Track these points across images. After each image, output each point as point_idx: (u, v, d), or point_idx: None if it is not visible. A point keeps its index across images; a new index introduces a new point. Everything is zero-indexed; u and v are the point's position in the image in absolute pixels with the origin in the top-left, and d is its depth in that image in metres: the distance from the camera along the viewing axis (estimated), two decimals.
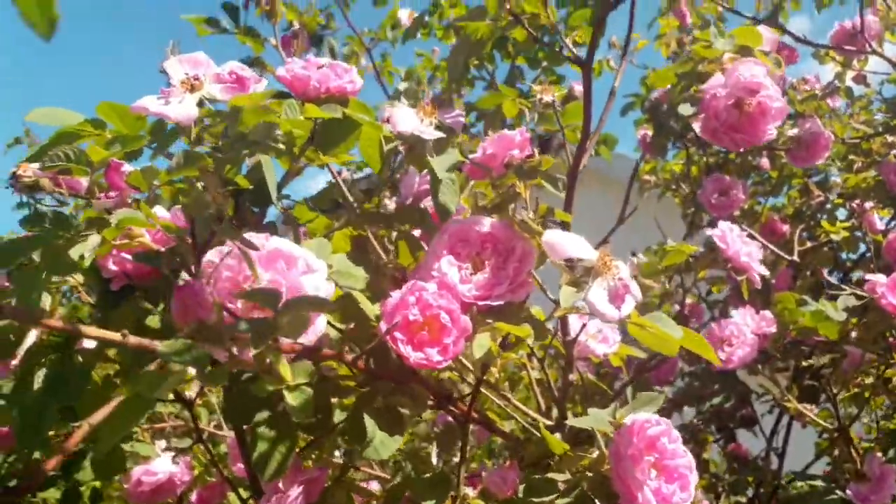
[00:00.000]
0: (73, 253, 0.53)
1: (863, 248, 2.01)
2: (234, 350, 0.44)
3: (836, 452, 1.71)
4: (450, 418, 0.95)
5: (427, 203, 0.95)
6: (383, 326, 0.65)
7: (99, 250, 0.54)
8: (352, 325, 0.75)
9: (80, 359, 0.76)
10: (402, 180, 0.99)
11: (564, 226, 0.95)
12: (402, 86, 1.71)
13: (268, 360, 0.46)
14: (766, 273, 1.06)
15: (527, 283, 0.69)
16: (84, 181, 0.59)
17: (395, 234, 0.87)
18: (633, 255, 2.24)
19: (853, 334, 1.31)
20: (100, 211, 0.57)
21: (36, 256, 0.63)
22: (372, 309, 0.70)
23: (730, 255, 1.00)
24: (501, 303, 0.68)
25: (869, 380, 1.46)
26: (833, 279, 2.00)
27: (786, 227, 2.02)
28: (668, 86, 0.95)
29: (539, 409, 1.13)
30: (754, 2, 1.59)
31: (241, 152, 0.55)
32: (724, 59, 0.87)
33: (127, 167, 0.60)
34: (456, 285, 0.68)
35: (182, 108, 0.61)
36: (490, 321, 0.67)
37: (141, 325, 0.74)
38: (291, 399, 0.51)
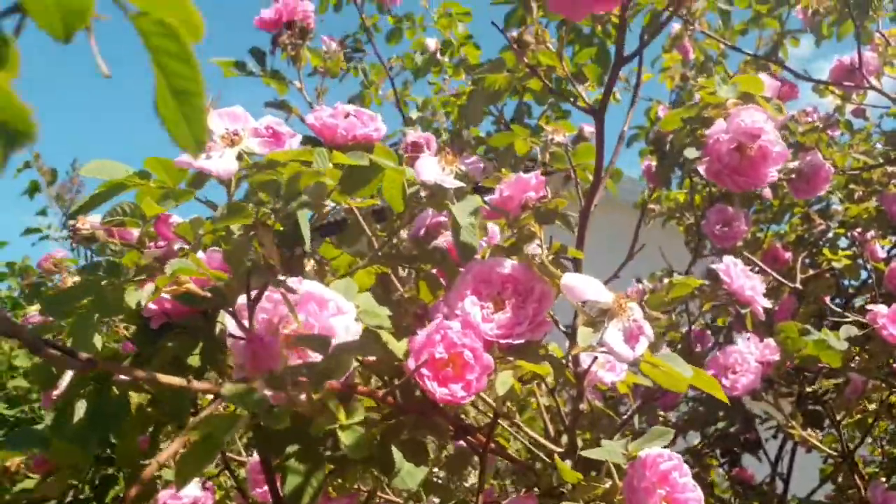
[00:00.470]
0: (130, 300, 0.57)
1: (864, 274, 2.05)
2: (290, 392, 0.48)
3: (841, 478, 1.74)
4: (462, 443, 0.99)
5: (443, 239, 0.99)
6: (411, 363, 0.69)
7: (151, 297, 0.59)
8: (374, 359, 0.79)
9: (116, 390, 0.80)
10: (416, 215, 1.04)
11: (577, 263, 0.99)
12: (416, 115, 1.77)
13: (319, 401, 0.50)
14: (769, 305, 1.09)
15: (545, 323, 0.73)
16: (135, 232, 0.64)
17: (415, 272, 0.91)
18: (639, 281, 2.29)
19: (856, 361, 1.34)
20: (150, 259, 0.61)
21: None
22: (398, 347, 0.74)
23: (734, 290, 1.04)
24: (522, 341, 0.72)
25: (872, 406, 1.48)
26: (835, 306, 2.04)
27: (788, 255, 2.06)
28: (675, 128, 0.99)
29: (547, 435, 1.16)
30: (755, 38, 1.64)
31: (296, 209, 0.60)
32: (728, 103, 0.92)
33: (175, 218, 0.65)
34: (479, 324, 0.72)
35: (223, 163, 0.66)
36: (511, 359, 0.71)
37: (178, 362, 0.78)
38: (345, 438, 0.55)
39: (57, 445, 0.56)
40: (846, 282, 2.14)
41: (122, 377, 0.80)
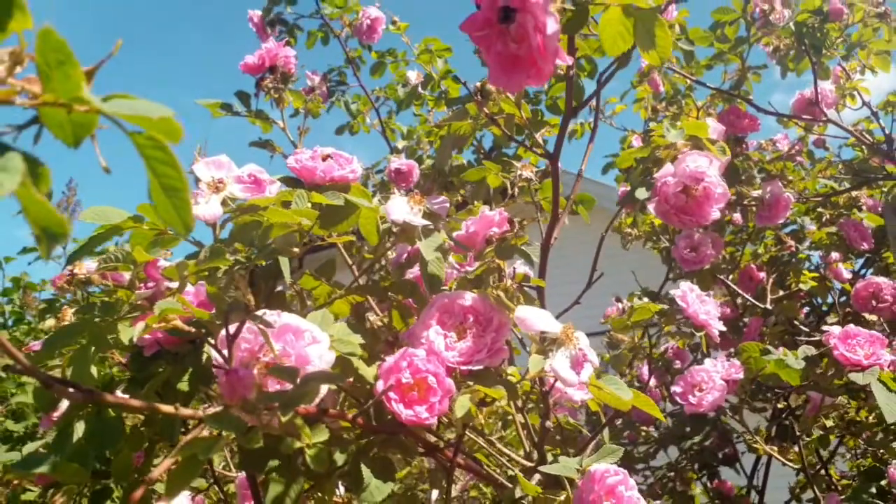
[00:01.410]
0: (124, 337, 0.65)
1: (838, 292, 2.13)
2: (264, 416, 0.56)
3: (811, 492, 1.81)
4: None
5: (415, 271, 1.07)
6: (380, 386, 0.77)
7: (142, 333, 0.66)
8: (349, 380, 0.86)
9: (112, 412, 0.87)
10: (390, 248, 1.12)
11: (539, 290, 1.07)
12: (401, 144, 1.86)
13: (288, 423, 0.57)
14: (724, 329, 1.17)
15: (503, 350, 0.81)
16: (127, 275, 0.71)
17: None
18: (618, 300, 2.36)
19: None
20: (141, 300, 0.68)
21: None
22: (368, 372, 0.81)
23: (689, 314, 1.12)
24: (481, 367, 0.79)
25: (829, 423, 1.56)
26: (809, 323, 2.12)
27: (762, 274, 2.14)
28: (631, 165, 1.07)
29: (525, 452, 1.24)
30: (721, 71, 1.73)
31: (267, 257, 0.67)
32: (679, 144, 1.00)
33: (162, 262, 0.72)
34: (442, 352, 0.79)
35: (209, 208, 0.73)
36: (471, 383, 0.78)
37: (169, 386, 0.85)
38: (311, 454, 0.62)
39: (63, 467, 0.63)
40: (818, 300, 2.22)
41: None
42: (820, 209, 1.98)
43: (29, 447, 1.02)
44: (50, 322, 0.93)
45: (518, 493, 0.94)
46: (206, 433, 0.57)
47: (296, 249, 0.69)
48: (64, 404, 0.93)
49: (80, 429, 0.88)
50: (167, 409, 0.55)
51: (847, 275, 1.89)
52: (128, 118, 0.32)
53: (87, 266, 0.70)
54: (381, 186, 1.85)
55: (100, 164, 0.39)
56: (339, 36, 1.85)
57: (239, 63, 1.16)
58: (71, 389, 0.51)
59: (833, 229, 1.83)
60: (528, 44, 0.52)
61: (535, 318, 0.77)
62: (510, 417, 1.65)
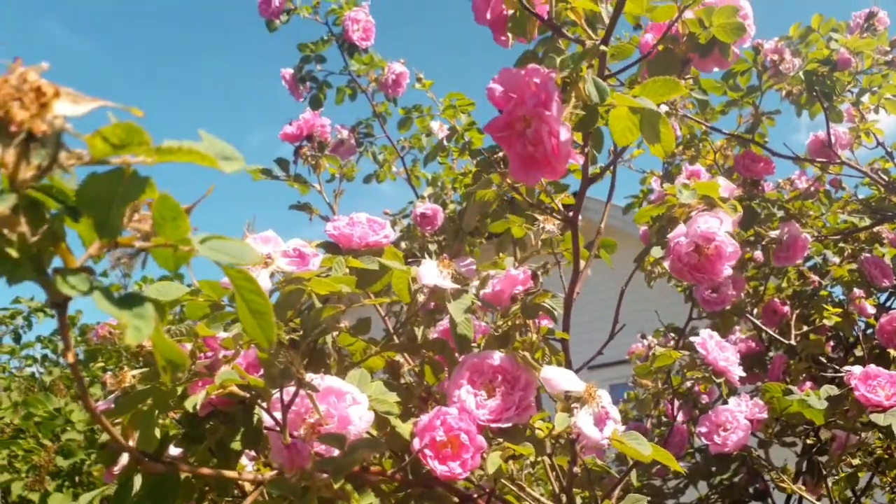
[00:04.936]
0: (188, 404, 0.72)
1: (863, 326, 2.14)
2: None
3: None
4: None
5: (441, 325, 1.13)
6: (416, 444, 0.83)
7: (204, 399, 0.73)
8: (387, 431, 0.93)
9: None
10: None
11: (564, 343, 1.12)
12: (428, 191, 1.94)
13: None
14: (744, 375, 1.21)
15: (531, 407, 0.86)
16: (188, 346, 0.79)
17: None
18: (643, 336, 2.39)
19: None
20: (201, 368, 0.76)
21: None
22: (404, 429, 0.87)
23: (709, 361, 1.16)
24: (510, 424, 0.85)
25: (856, 461, 1.57)
26: (835, 358, 2.13)
27: (786, 308, 2.16)
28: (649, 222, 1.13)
29: (553, 492, 1.28)
30: (736, 115, 1.78)
31: (316, 337, 0.74)
32: (692, 203, 1.06)
33: (221, 335, 0.80)
34: (473, 410, 0.85)
35: (259, 282, 0.81)
36: (500, 440, 0.84)
37: (221, 444, 0.92)
38: None
39: None
40: (843, 334, 2.23)
41: (172, 453, 0.94)
42: (842, 244, 2.01)
43: (86, 497, 1.10)
44: (112, 380, 1.00)
45: None
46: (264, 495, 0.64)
47: (342, 326, 0.76)
48: (123, 461, 1.01)
49: (137, 483, 0.95)
50: (232, 474, 0.62)
51: (871, 310, 1.91)
52: (221, 260, 0.40)
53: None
54: (407, 231, 1.93)
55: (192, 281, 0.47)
56: (366, 91, 1.96)
57: (279, 134, 1.25)
58: (157, 463, 0.57)
59: (854, 266, 1.85)
60: (544, 147, 0.59)
61: (559, 379, 0.83)
62: (539, 459, 1.70)
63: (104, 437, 0.99)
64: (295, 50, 2.05)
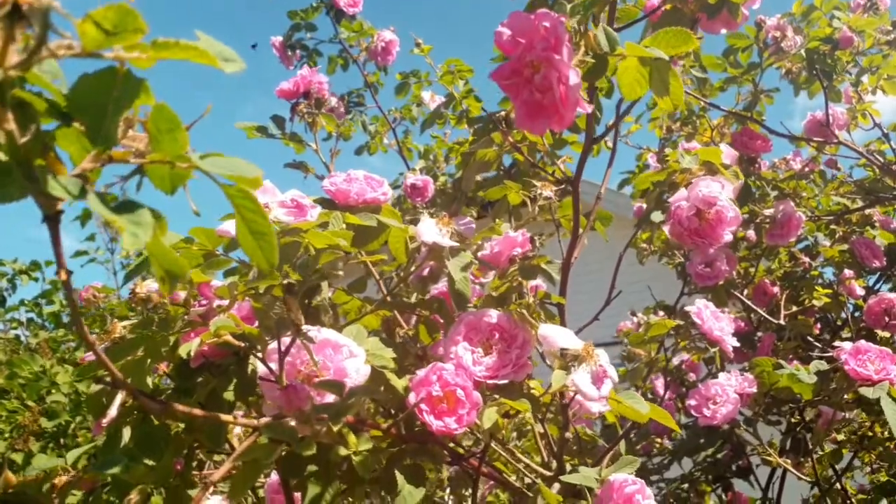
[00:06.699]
0: (182, 351, 0.71)
1: (851, 308, 2.16)
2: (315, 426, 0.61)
3: None
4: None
5: (441, 285, 1.12)
6: (411, 398, 0.82)
7: (198, 347, 0.72)
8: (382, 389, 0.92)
9: (156, 420, 0.94)
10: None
11: (560, 307, 1.12)
12: (420, 164, 1.92)
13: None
14: (737, 345, 1.21)
15: (527, 365, 0.86)
16: (182, 294, 0.78)
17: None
18: (633, 314, 2.40)
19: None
20: (195, 316, 0.74)
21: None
22: (400, 384, 0.87)
23: (704, 330, 1.16)
24: (506, 381, 0.84)
25: (841, 437, 1.59)
26: (824, 339, 2.15)
27: (776, 289, 2.17)
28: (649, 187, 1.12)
29: (543, 461, 1.28)
30: (734, 93, 1.77)
31: (315, 282, 0.73)
32: (694, 169, 1.05)
33: (215, 282, 0.78)
34: (469, 367, 0.84)
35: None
36: (496, 396, 0.83)
37: (212, 395, 0.91)
38: (357, 460, 0.68)
39: (135, 469, 0.69)
40: (831, 316, 2.25)
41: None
42: (833, 226, 2.02)
43: (74, 453, 1.08)
44: (102, 334, 0.98)
45: (539, 502, 0.99)
46: (262, 440, 0.63)
47: (340, 273, 0.75)
48: (113, 412, 1.00)
49: (126, 435, 0.94)
50: (227, 418, 0.61)
51: (860, 291, 1.92)
52: (222, 175, 0.38)
53: (148, 286, 0.77)
54: (398, 202, 1.92)
55: (190, 207, 0.45)
56: (357, 60, 1.94)
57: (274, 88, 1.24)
58: (152, 402, 0.56)
59: (845, 247, 1.86)
60: (552, 94, 0.57)
61: (557, 336, 0.82)
62: (527, 428, 1.70)
63: (93, 387, 0.98)
64: (286, 18, 2.03)
